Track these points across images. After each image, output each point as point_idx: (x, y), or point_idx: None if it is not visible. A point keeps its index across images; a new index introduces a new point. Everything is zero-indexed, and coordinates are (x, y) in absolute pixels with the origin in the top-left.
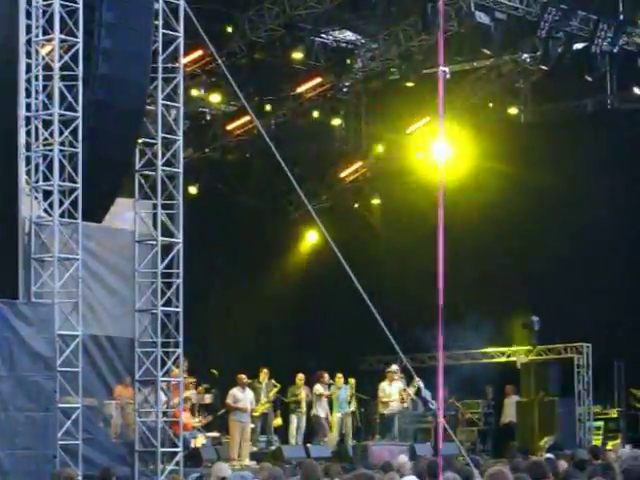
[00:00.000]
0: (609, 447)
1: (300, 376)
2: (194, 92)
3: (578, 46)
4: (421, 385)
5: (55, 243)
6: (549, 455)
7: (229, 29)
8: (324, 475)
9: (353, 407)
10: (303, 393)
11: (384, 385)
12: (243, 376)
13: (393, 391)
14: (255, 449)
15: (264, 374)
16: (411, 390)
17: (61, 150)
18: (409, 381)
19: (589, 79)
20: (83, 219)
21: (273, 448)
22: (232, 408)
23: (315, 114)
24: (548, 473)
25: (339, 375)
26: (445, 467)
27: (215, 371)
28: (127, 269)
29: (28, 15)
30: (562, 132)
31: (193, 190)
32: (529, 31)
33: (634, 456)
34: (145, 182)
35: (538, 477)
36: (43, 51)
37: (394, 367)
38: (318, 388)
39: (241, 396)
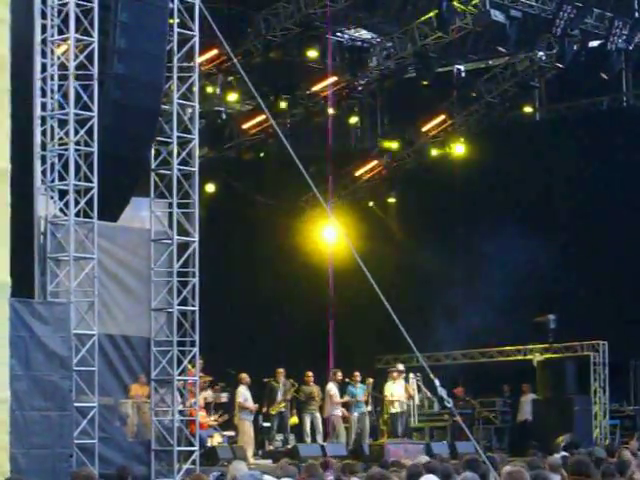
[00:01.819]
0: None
1: (309, 374)
2: (210, 91)
3: (593, 44)
4: (437, 383)
5: (71, 242)
6: (565, 453)
7: (245, 28)
8: (347, 473)
9: (370, 407)
10: (316, 391)
11: (388, 384)
12: (245, 375)
13: (397, 390)
14: (271, 447)
15: (280, 374)
16: (415, 386)
17: (76, 149)
18: (420, 380)
19: (605, 77)
20: (99, 218)
21: (289, 447)
22: (245, 407)
23: (330, 112)
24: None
25: (356, 374)
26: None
27: (232, 370)
28: (143, 268)
29: (43, 15)
30: (577, 130)
31: (210, 188)
32: (544, 29)
33: None
34: (161, 181)
35: (582, 473)
36: (58, 51)
37: (400, 366)
38: (331, 387)
39: (248, 395)
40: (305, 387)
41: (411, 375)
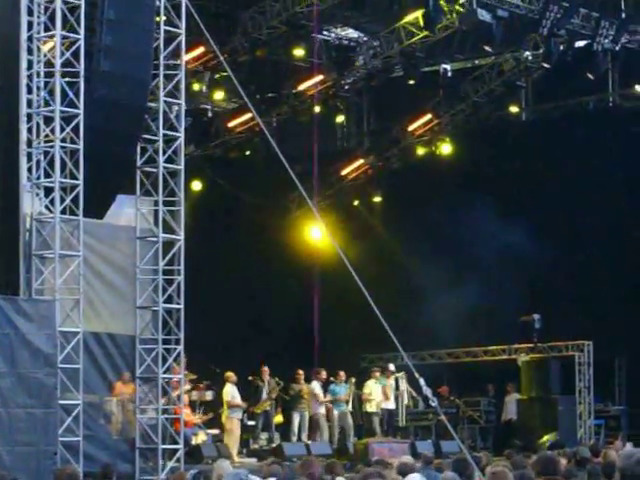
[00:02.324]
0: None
1: (300, 372)
2: (196, 89)
3: (580, 44)
4: (422, 382)
5: (56, 240)
6: (549, 453)
7: (231, 26)
8: (327, 472)
9: (351, 406)
10: (305, 389)
11: (369, 383)
12: (231, 374)
13: (378, 390)
14: (256, 446)
15: (265, 372)
16: (402, 383)
17: (62, 147)
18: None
19: (591, 77)
20: (84, 216)
21: (274, 445)
22: (233, 405)
23: (316, 111)
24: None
25: (340, 373)
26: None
27: (217, 368)
28: (128, 266)
29: (30, 12)
30: (563, 130)
31: (196, 186)
32: (531, 29)
33: (629, 454)
34: (146, 179)
35: (550, 473)
36: (45, 48)
37: (391, 366)
38: (315, 386)
39: (236, 393)
40: (295, 385)
41: (401, 374)
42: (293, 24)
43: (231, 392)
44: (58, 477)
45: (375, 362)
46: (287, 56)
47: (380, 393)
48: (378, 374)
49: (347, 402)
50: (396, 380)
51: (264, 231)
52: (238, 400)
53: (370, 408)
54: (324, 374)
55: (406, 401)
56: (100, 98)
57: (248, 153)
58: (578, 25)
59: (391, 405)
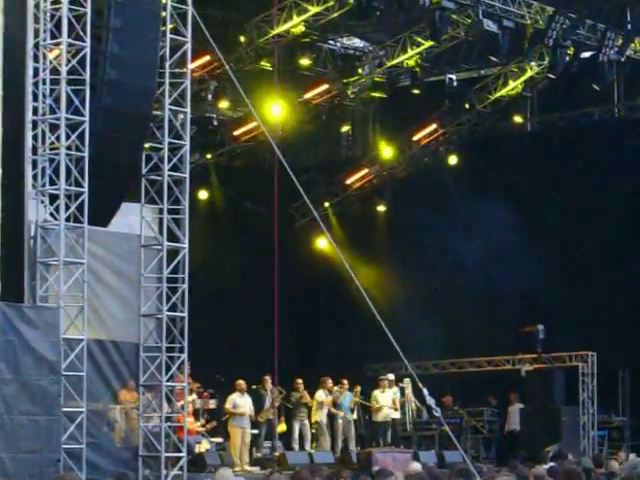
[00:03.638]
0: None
1: (299, 381)
2: (201, 97)
3: (586, 55)
4: (425, 392)
5: (61, 247)
6: (552, 464)
7: (237, 35)
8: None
9: (355, 415)
10: (307, 397)
11: (376, 393)
12: (242, 382)
13: (386, 399)
14: (259, 455)
15: (267, 381)
16: (407, 391)
17: (68, 154)
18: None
19: (596, 88)
20: (89, 223)
21: (277, 454)
22: (231, 413)
23: (322, 120)
24: None
25: (344, 381)
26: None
27: (221, 377)
28: (133, 274)
29: (36, 19)
30: (568, 140)
31: (201, 195)
32: (537, 39)
33: (633, 465)
34: (151, 187)
35: None
36: (51, 55)
37: (390, 376)
38: (320, 395)
39: (240, 401)
40: (294, 393)
41: (407, 380)
42: (299, 33)
43: (234, 400)
44: None
45: (379, 372)
46: (293, 65)
47: (389, 402)
48: (386, 383)
49: (352, 411)
50: (401, 389)
51: (268, 239)
52: (241, 409)
53: (378, 418)
54: (330, 383)
55: (413, 406)
56: (106, 106)
57: (254, 162)
58: (584, 36)
59: (396, 414)
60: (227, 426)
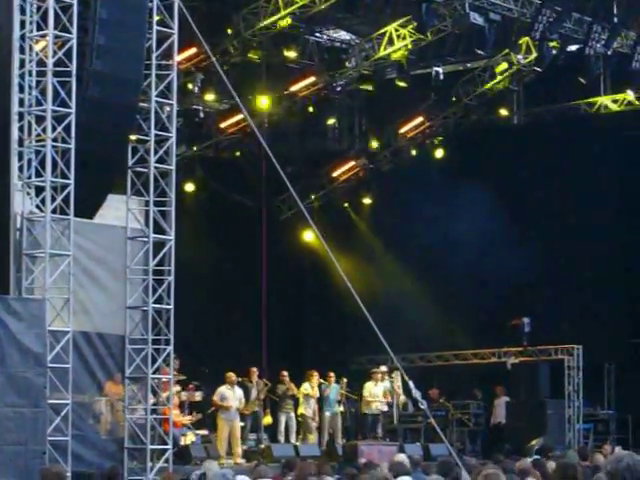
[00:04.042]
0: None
1: (284, 373)
2: (188, 89)
3: (572, 48)
4: (411, 385)
5: (47, 239)
6: (537, 457)
7: (223, 27)
8: (316, 473)
9: (342, 407)
10: (294, 389)
11: (369, 385)
12: (232, 374)
13: (378, 391)
14: (245, 447)
15: (253, 373)
16: (397, 384)
17: (54, 146)
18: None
19: (583, 81)
20: (75, 215)
21: (262, 446)
22: (218, 406)
23: (309, 113)
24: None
25: (331, 374)
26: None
27: (206, 369)
28: (118, 266)
29: (22, 11)
30: (555, 133)
31: (187, 187)
32: (523, 32)
33: (619, 458)
34: (137, 179)
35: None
36: (37, 47)
37: (383, 368)
38: (306, 387)
39: (228, 394)
40: (280, 385)
41: (396, 373)
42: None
43: (222, 393)
44: (45, 476)
45: (364, 364)
46: (279, 57)
47: (381, 395)
48: (379, 375)
49: (339, 403)
50: (390, 382)
51: (254, 232)
52: (227, 402)
53: (369, 410)
54: (316, 376)
55: (402, 398)
56: (92, 98)
57: (240, 154)
58: (570, 29)
59: (385, 407)
60: (216, 418)
